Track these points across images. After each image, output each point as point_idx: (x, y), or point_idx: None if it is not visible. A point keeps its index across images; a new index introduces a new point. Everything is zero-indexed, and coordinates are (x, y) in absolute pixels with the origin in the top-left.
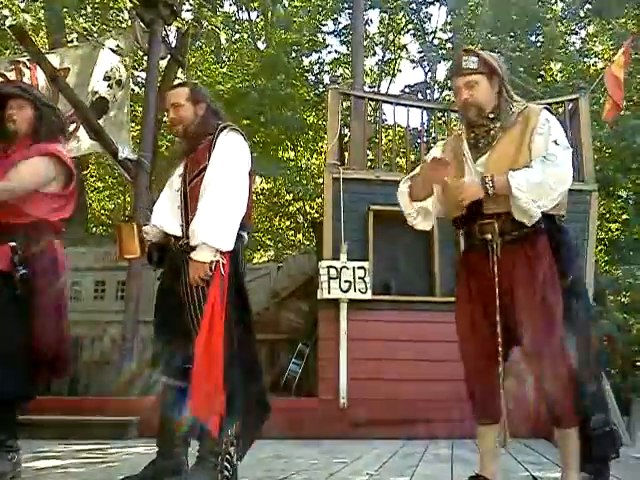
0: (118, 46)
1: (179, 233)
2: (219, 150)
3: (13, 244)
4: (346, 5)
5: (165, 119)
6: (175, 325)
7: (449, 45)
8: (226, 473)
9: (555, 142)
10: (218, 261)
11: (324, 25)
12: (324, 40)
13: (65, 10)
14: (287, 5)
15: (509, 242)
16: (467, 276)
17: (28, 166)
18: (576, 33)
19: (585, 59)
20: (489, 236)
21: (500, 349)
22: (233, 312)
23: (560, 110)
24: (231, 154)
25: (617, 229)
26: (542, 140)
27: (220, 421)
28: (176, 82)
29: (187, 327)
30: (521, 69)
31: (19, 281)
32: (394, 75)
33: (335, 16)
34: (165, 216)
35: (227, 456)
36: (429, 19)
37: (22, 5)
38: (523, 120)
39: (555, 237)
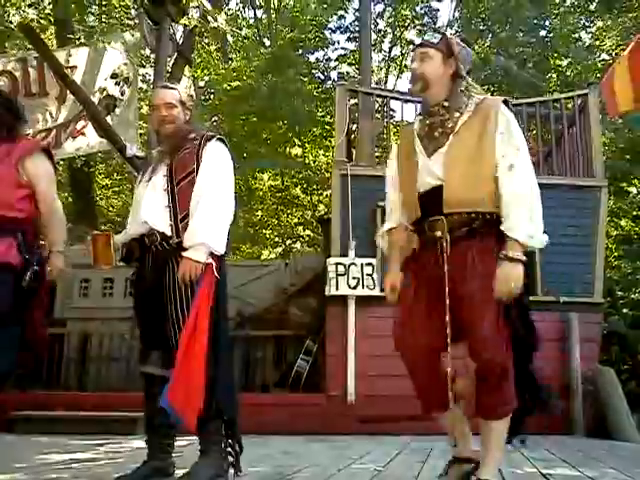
0: (126, 44)
1: (168, 232)
2: (211, 157)
3: (19, 238)
4: (353, 2)
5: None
6: (159, 318)
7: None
8: (230, 459)
9: (517, 149)
10: (211, 263)
11: (330, 22)
12: (330, 37)
13: (73, 8)
14: (293, 2)
15: (458, 239)
16: (416, 271)
17: (43, 173)
18: (586, 28)
19: (594, 54)
20: (439, 233)
21: (449, 342)
22: (216, 313)
23: (569, 105)
24: (222, 163)
25: (628, 225)
26: (504, 141)
27: (198, 418)
28: (166, 84)
29: (170, 321)
30: (530, 64)
31: (30, 276)
32: (402, 71)
33: (341, 12)
34: (154, 214)
35: (229, 441)
36: (436, 14)
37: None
38: (481, 114)
39: (502, 235)
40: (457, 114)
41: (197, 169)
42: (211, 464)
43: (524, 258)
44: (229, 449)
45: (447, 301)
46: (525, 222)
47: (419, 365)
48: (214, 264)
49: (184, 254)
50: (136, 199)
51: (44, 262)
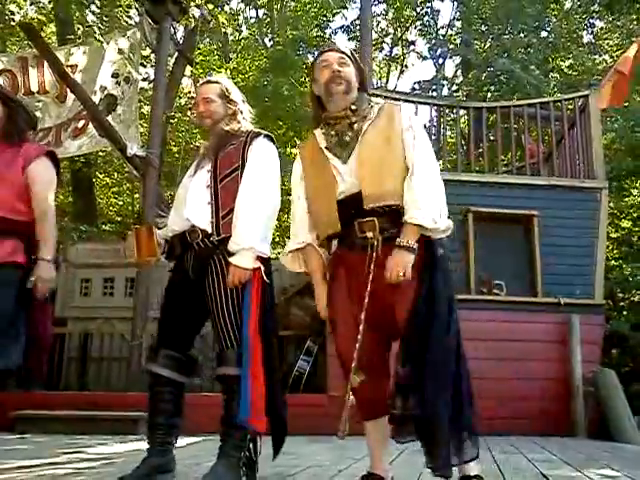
0: (127, 42)
1: (209, 229)
2: (258, 155)
3: (25, 240)
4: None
5: (173, 114)
6: (187, 319)
7: (458, 40)
8: (245, 469)
9: (423, 147)
10: (259, 267)
11: (332, 21)
12: (330, 37)
13: (73, 6)
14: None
15: (388, 239)
16: (346, 275)
17: (43, 174)
18: (587, 29)
19: (595, 55)
20: (370, 234)
21: (360, 338)
22: (264, 319)
23: (570, 107)
24: (269, 162)
25: (628, 227)
26: (410, 137)
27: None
28: (209, 78)
29: (199, 322)
30: (533, 66)
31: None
32: (402, 72)
33: (342, 12)
34: (196, 211)
35: (247, 452)
36: (436, 14)
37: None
38: (385, 114)
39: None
40: (363, 118)
41: (242, 166)
42: (228, 469)
43: (416, 246)
44: (245, 460)
45: (366, 300)
46: (428, 208)
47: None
48: (262, 268)
49: (231, 260)
50: (180, 194)
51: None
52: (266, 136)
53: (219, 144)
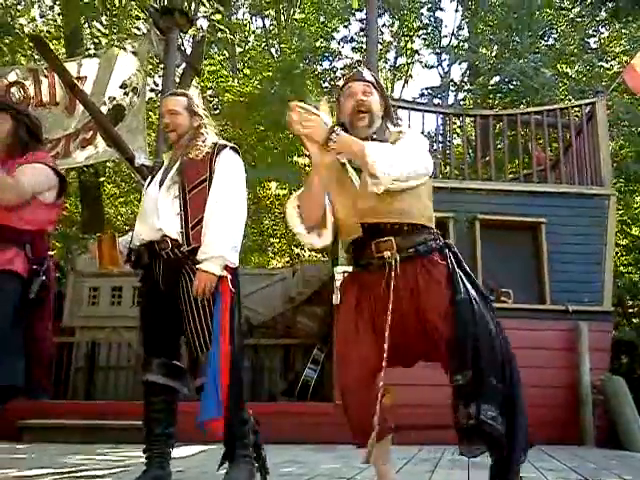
0: (135, 53)
1: (179, 239)
2: (224, 167)
3: (25, 248)
4: (359, 12)
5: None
6: (165, 326)
7: (465, 46)
8: (256, 464)
9: (413, 139)
10: (226, 276)
11: (337, 32)
12: (338, 49)
13: (82, 19)
14: (300, 13)
15: (407, 259)
16: (359, 293)
17: (33, 169)
18: (594, 35)
19: (602, 62)
20: (387, 253)
21: (384, 365)
22: (231, 327)
23: (577, 113)
24: (236, 173)
25: (637, 234)
26: (404, 139)
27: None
28: (174, 91)
29: (177, 330)
30: (545, 71)
31: (37, 286)
32: (407, 81)
33: (347, 23)
34: (166, 221)
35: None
36: (441, 24)
37: (38, 12)
38: (394, 138)
39: (450, 253)
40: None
41: (210, 178)
42: (241, 470)
43: (339, 142)
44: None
45: (389, 320)
46: (385, 153)
47: (359, 383)
48: (229, 277)
49: (199, 266)
50: (146, 203)
51: (51, 273)
52: (232, 148)
53: (181, 155)
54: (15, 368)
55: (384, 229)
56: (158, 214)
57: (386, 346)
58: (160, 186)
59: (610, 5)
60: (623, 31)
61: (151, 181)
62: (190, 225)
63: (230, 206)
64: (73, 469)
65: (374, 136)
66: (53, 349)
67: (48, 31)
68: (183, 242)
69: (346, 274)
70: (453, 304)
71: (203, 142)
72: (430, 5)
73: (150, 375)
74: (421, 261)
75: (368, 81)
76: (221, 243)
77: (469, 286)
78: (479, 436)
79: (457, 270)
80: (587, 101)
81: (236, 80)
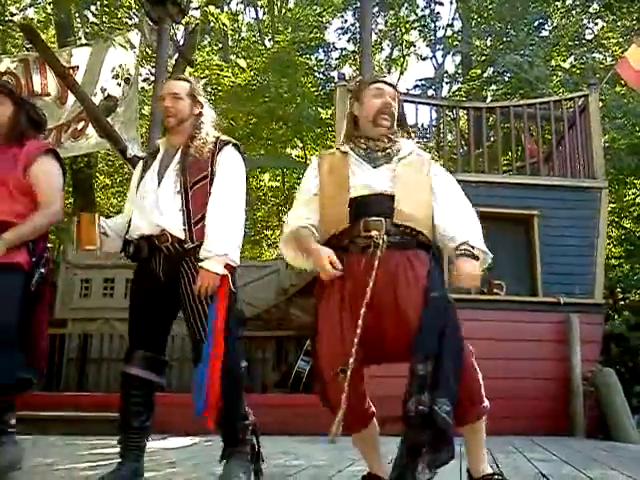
0: (127, 43)
1: (181, 235)
2: (228, 165)
3: (29, 243)
4: (353, 2)
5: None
6: (157, 320)
7: (459, 37)
8: (253, 464)
9: (450, 182)
10: (227, 275)
11: (331, 24)
12: (333, 40)
13: (73, 9)
14: (294, 3)
15: (393, 245)
16: (340, 279)
17: (50, 176)
18: (588, 27)
19: (595, 54)
20: (374, 233)
21: (354, 351)
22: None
23: (570, 106)
24: (238, 172)
25: (630, 225)
26: (440, 181)
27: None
28: (177, 76)
29: (168, 323)
30: (538, 63)
31: (37, 279)
32: (402, 73)
33: (342, 14)
34: (168, 217)
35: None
36: (437, 16)
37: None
38: (416, 158)
39: (433, 252)
40: (395, 147)
41: (211, 175)
42: (237, 467)
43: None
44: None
45: (363, 309)
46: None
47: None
48: (229, 276)
49: (203, 265)
50: (145, 197)
51: (49, 266)
52: (234, 145)
53: (182, 144)
54: (23, 362)
55: (377, 208)
56: (160, 210)
57: (360, 324)
58: (159, 178)
59: None
60: (617, 23)
61: (145, 169)
62: (192, 222)
63: (233, 205)
64: (66, 460)
65: (391, 136)
66: (47, 345)
67: (39, 20)
68: (186, 239)
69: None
70: (427, 300)
71: (206, 136)
72: None
73: (131, 368)
74: (406, 253)
75: (395, 89)
76: (225, 242)
77: (440, 278)
78: (428, 426)
79: (437, 268)
80: (580, 94)
81: (229, 70)
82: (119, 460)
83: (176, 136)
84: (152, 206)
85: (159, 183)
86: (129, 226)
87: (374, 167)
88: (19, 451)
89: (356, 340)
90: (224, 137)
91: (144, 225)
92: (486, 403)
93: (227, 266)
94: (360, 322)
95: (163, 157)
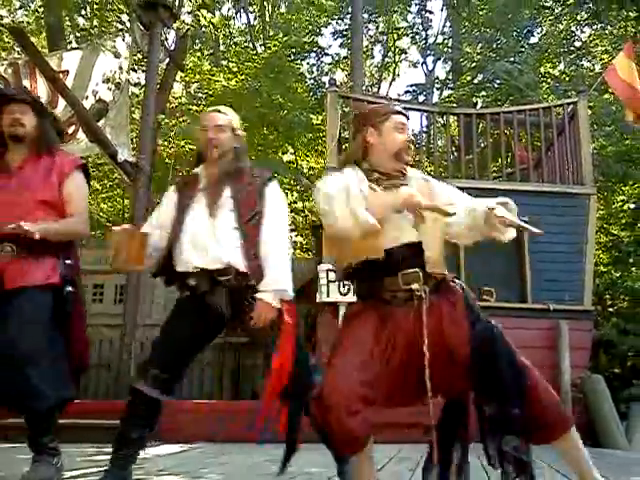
0: (117, 48)
1: (244, 270)
2: (276, 202)
3: (60, 258)
4: (345, 8)
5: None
6: (189, 349)
7: (450, 43)
8: None
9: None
10: (287, 307)
11: (322, 31)
12: (326, 45)
13: (64, 13)
14: (285, 8)
15: (431, 291)
16: (379, 324)
17: (79, 190)
18: (575, 35)
19: (584, 62)
20: (416, 286)
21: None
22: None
23: (559, 113)
24: (284, 208)
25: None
26: (442, 187)
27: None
28: (218, 107)
29: (194, 353)
30: (528, 70)
31: (66, 296)
32: (394, 79)
33: (333, 20)
34: (229, 251)
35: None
36: (428, 23)
37: (18, 4)
38: (424, 182)
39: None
40: (406, 181)
41: (260, 211)
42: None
43: None
44: None
45: (427, 355)
46: None
47: (348, 400)
48: (288, 308)
49: (261, 297)
50: (196, 227)
51: (76, 278)
52: (276, 180)
53: (228, 176)
54: (64, 384)
55: (411, 258)
56: (221, 244)
57: (428, 384)
58: (210, 211)
59: (590, 5)
60: (605, 31)
61: (184, 198)
62: (250, 258)
63: (284, 243)
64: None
65: (403, 171)
66: (87, 351)
67: (29, 22)
68: (249, 274)
69: (354, 304)
70: (473, 329)
71: (250, 170)
72: (417, 4)
73: (142, 385)
74: (442, 290)
75: (407, 117)
76: (283, 279)
77: (478, 309)
78: (507, 462)
79: (469, 293)
80: (569, 100)
81: (221, 75)
82: (106, 468)
83: (216, 167)
84: (210, 240)
85: (212, 216)
86: (167, 253)
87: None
88: (50, 472)
89: (429, 395)
90: (267, 172)
91: (201, 258)
92: (568, 413)
93: (285, 301)
94: (427, 374)
95: (207, 188)
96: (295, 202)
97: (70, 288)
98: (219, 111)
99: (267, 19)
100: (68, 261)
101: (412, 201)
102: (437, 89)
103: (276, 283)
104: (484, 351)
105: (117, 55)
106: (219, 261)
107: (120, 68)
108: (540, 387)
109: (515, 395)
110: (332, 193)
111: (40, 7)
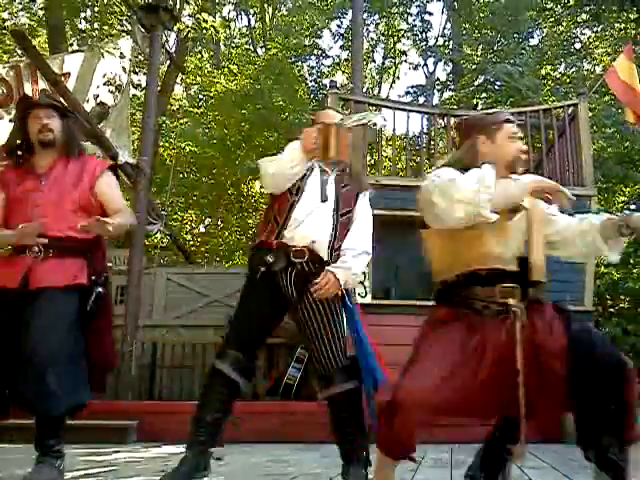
0: (118, 50)
1: (325, 256)
2: (367, 212)
3: (88, 259)
4: (346, 10)
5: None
6: (263, 328)
7: (450, 45)
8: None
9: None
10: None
11: (322, 33)
12: (326, 46)
13: (65, 15)
14: (286, 10)
15: (529, 307)
16: (468, 333)
17: (114, 189)
18: (576, 36)
19: (584, 64)
20: (513, 301)
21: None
22: None
23: (560, 114)
24: (371, 222)
25: None
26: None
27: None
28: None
29: (269, 334)
30: (528, 72)
31: (95, 298)
32: (394, 81)
33: (334, 22)
34: (322, 236)
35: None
36: (428, 26)
37: (20, 6)
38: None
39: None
40: None
41: (352, 214)
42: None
43: None
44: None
45: (521, 373)
46: None
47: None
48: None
49: (330, 268)
50: (306, 209)
51: (107, 283)
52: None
53: (343, 179)
54: (80, 389)
55: (511, 273)
56: (317, 226)
57: (522, 400)
58: (322, 197)
59: (590, 7)
60: (605, 33)
61: (305, 183)
62: (334, 247)
63: (368, 248)
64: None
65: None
66: (113, 352)
67: (30, 25)
68: (329, 260)
69: (438, 309)
70: (567, 339)
71: (356, 174)
72: (418, 5)
73: (223, 365)
74: (538, 305)
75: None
76: (356, 265)
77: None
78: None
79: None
80: (569, 102)
81: (222, 77)
82: (182, 456)
83: (330, 162)
84: (311, 220)
85: (320, 203)
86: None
87: (509, 219)
88: (53, 474)
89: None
90: (364, 184)
91: (298, 233)
92: None
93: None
94: (521, 390)
95: (322, 177)
96: None
97: (100, 289)
98: (337, 111)
99: (267, 21)
100: (97, 261)
101: (541, 185)
102: (438, 91)
103: (347, 264)
104: (582, 350)
105: (122, 56)
106: (305, 240)
107: (123, 69)
108: (632, 385)
109: (614, 394)
110: (449, 181)
111: (42, 9)
